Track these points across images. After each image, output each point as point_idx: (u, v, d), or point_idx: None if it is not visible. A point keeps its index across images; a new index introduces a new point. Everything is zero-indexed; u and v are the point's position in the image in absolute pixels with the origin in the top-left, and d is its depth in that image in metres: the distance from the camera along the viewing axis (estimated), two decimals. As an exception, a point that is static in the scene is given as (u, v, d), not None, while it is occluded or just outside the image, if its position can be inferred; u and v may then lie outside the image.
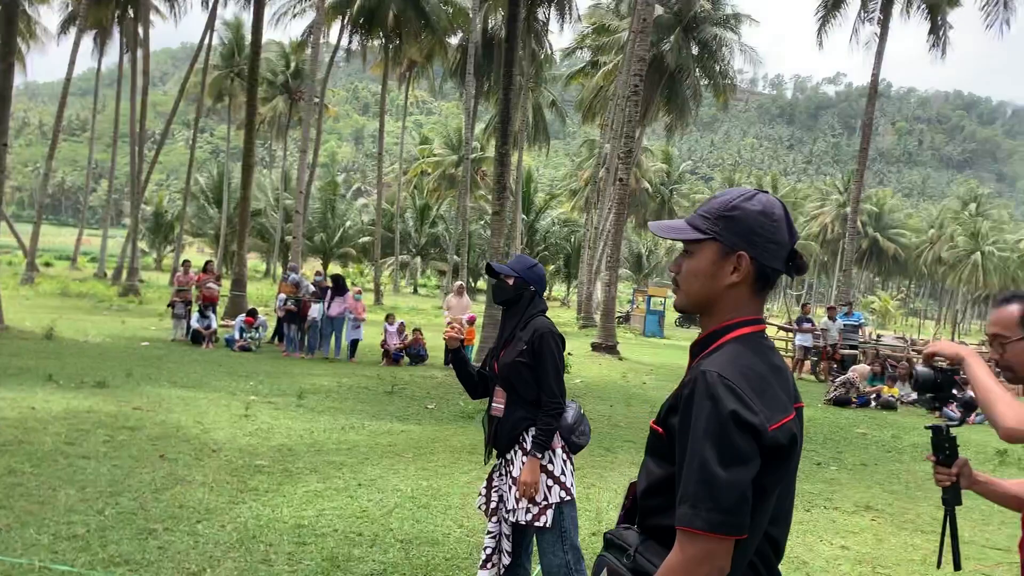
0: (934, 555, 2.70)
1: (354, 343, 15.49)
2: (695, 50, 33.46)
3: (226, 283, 22.52)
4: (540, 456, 3.55)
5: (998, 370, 2.54)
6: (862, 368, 14.99)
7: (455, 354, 3.84)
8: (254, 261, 60.15)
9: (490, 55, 33.74)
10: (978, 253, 68.80)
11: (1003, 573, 5.40)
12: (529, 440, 3.61)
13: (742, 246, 1.59)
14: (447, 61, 35.50)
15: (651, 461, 1.64)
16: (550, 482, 3.57)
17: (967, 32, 29.56)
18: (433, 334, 17.68)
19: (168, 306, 17.06)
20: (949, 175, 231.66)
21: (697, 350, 1.67)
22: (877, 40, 22.81)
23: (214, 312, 16.18)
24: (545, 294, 4.00)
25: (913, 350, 19.40)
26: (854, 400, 13.98)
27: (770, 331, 22.66)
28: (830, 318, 17.92)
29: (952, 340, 24.71)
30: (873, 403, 14.09)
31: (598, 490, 6.66)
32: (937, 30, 22.51)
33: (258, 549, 4.74)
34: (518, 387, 3.64)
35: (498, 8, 31.93)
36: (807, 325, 17.91)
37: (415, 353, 15.28)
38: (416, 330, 15.67)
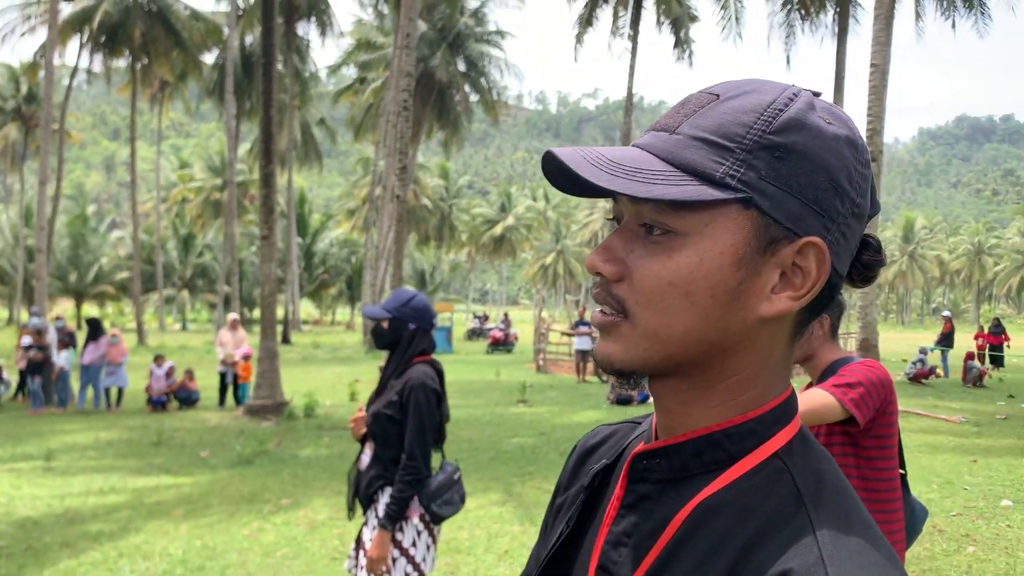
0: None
1: (118, 391, 14.02)
2: (462, 66, 33.94)
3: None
4: (390, 529, 3.07)
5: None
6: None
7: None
8: (-6, 307, 53.81)
9: (250, 73, 32.26)
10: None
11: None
12: (383, 505, 3.14)
13: (812, 221, 0.68)
14: (203, 80, 33.52)
15: None
16: (396, 553, 3.10)
17: (708, 45, 32.34)
18: (204, 372, 16.46)
19: None
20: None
21: (659, 475, 0.74)
22: (630, 55, 24.24)
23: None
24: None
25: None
26: (635, 397, 14.57)
27: (553, 336, 23.33)
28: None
29: None
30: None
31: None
32: (681, 44, 24.36)
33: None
34: (381, 442, 3.19)
35: (254, 24, 30.60)
36: (584, 328, 18.50)
37: (184, 397, 14.03)
38: (187, 371, 14.40)
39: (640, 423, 0.88)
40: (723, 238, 0.67)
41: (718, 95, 0.70)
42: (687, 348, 0.69)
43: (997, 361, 21.54)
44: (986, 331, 22.05)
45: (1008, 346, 22.03)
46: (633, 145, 0.71)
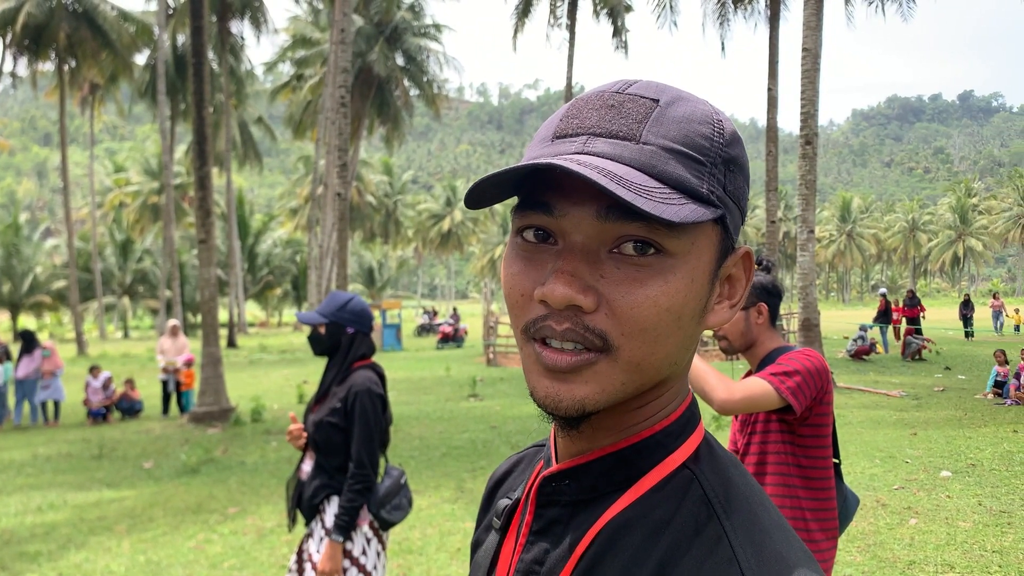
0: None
1: (55, 405, 13.58)
2: (401, 60, 33.60)
3: None
4: (341, 540, 2.98)
5: (704, 344, 2.61)
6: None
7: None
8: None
9: (183, 73, 31.47)
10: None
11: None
12: (330, 515, 3.05)
13: (736, 233, 0.71)
14: (135, 82, 32.61)
15: None
16: (347, 563, 3.03)
17: (644, 33, 32.54)
18: (148, 380, 16.07)
19: None
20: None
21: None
22: (568, 45, 24.25)
23: None
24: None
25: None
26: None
27: (503, 330, 23.31)
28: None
29: None
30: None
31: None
32: (619, 33, 24.45)
33: None
34: (324, 451, 3.09)
35: (186, 23, 29.82)
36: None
37: (126, 407, 13.65)
38: (127, 381, 14.02)
39: (545, 445, 0.85)
40: (704, 256, 0.65)
41: (656, 100, 0.65)
42: (659, 373, 0.66)
43: (916, 333, 21.52)
44: (901, 305, 21.99)
45: (923, 317, 22.01)
46: (589, 153, 0.62)
